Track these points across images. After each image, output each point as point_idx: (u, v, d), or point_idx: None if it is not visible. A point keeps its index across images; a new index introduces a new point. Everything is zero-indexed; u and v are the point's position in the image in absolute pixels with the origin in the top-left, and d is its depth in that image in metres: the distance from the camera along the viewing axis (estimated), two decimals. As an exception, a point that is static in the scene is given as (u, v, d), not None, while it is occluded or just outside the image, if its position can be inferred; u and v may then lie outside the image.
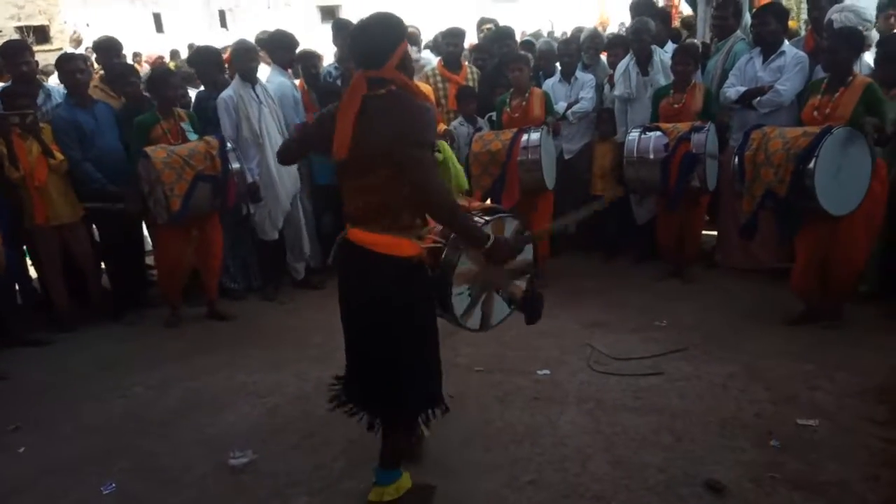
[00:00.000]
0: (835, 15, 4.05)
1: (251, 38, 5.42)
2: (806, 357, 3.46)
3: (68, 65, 4.39)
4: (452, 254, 2.28)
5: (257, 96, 4.63)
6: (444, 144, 2.10)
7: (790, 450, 2.69)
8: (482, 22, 6.09)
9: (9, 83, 4.54)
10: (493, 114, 5.03)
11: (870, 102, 3.49)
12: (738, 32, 4.80)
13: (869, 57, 4.07)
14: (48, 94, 4.65)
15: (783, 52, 4.32)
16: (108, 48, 5.00)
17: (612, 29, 9.58)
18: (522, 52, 5.14)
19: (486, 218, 2.33)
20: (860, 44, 3.70)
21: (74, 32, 11.17)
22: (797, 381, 3.23)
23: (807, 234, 3.70)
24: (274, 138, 4.68)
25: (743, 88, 4.38)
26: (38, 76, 4.81)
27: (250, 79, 4.64)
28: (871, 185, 3.53)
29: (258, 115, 4.63)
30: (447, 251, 2.29)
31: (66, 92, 4.49)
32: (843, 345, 3.57)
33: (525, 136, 4.51)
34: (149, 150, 3.97)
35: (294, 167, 4.76)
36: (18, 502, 2.69)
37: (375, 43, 2.17)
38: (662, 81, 4.71)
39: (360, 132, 2.13)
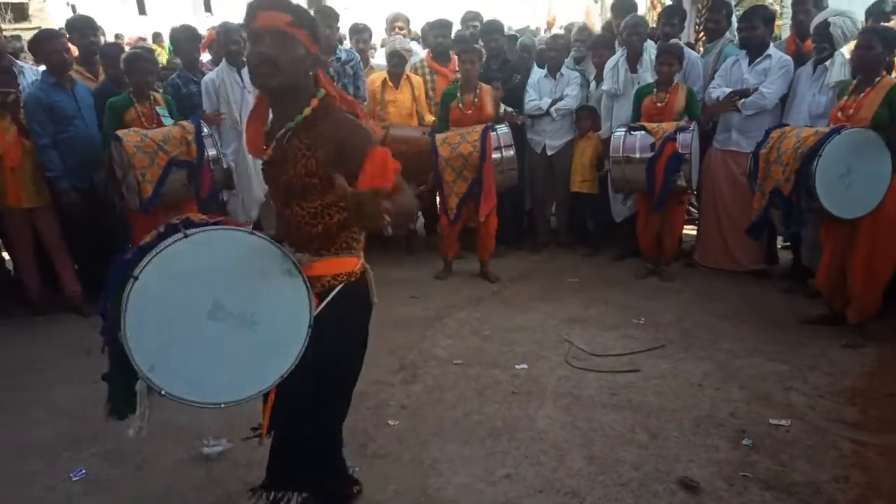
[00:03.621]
0: (833, 18, 3.99)
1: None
2: (781, 357, 3.51)
3: (54, 42, 4.16)
4: None
5: (242, 81, 4.57)
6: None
7: (762, 449, 2.72)
8: (467, 17, 6.05)
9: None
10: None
11: (894, 103, 3.34)
12: (728, 35, 4.84)
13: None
14: (20, 72, 4.53)
15: (769, 56, 4.35)
16: (84, 27, 4.86)
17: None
18: (475, 45, 5.01)
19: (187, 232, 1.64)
20: (895, 42, 3.53)
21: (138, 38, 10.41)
22: (771, 381, 3.27)
23: (829, 234, 3.68)
24: None
25: (728, 89, 4.42)
26: (9, 53, 4.66)
27: (235, 62, 4.57)
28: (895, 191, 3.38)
29: (240, 101, 4.57)
30: None
31: (44, 70, 4.35)
32: (817, 346, 3.62)
33: (494, 134, 4.44)
34: (121, 133, 3.85)
35: None
36: (-16, 487, 2.63)
37: None
38: (650, 79, 4.72)
39: None
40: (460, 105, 4.62)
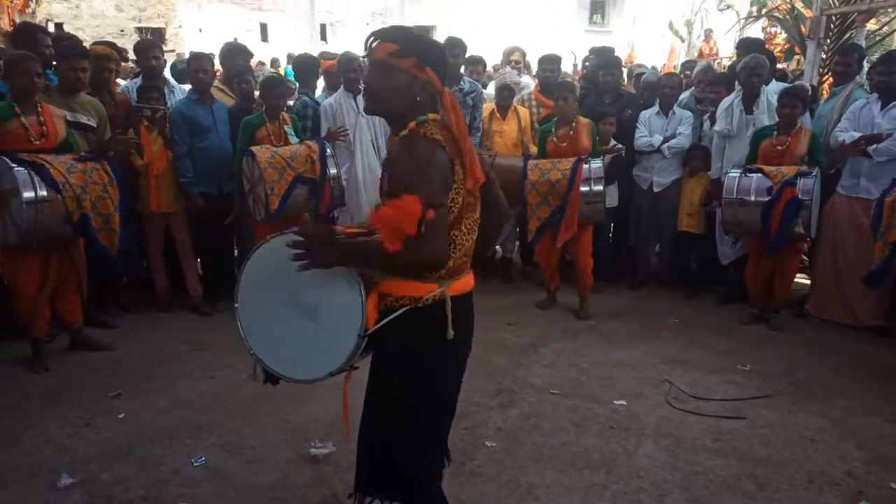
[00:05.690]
0: None
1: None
2: (904, 420, 3.30)
3: (194, 63, 4.70)
4: None
5: (356, 106, 4.85)
6: None
7: (883, 514, 2.57)
8: (595, 50, 6.27)
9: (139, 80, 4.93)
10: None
11: None
12: (857, 79, 4.66)
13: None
14: (171, 91, 5.02)
15: (906, 101, 4.16)
16: (240, 53, 5.33)
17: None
18: (567, 80, 5.06)
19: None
20: None
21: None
22: (893, 444, 3.07)
23: None
24: (366, 148, 4.88)
25: (857, 134, 4.24)
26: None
27: (352, 89, 4.86)
28: None
29: (354, 125, 4.85)
30: None
31: (190, 88, 4.81)
32: (946, 412, 3.38)
33: (586, 166, 4.45)
34: (254, 149, 4.17)
35: (379, 178, 4.92)
36: (119, 465, 2.87)
37: None
38: (766, 121, 4.60)
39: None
40: (555, 139, 4.68)
